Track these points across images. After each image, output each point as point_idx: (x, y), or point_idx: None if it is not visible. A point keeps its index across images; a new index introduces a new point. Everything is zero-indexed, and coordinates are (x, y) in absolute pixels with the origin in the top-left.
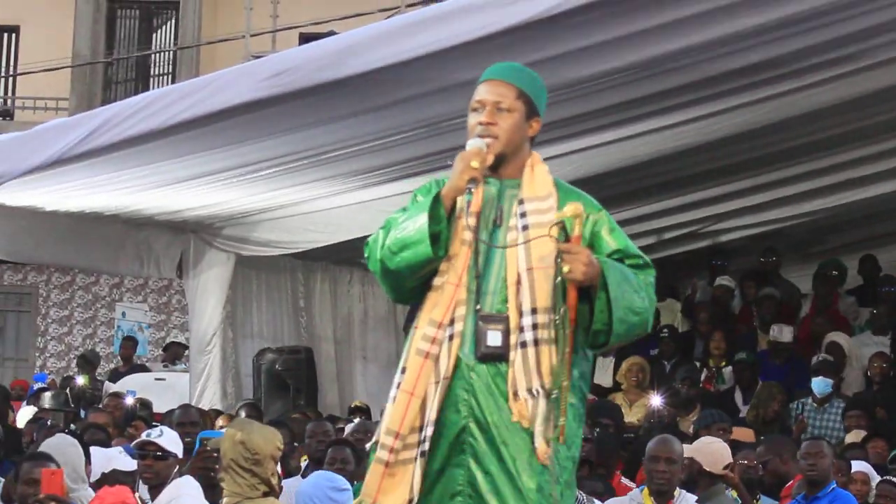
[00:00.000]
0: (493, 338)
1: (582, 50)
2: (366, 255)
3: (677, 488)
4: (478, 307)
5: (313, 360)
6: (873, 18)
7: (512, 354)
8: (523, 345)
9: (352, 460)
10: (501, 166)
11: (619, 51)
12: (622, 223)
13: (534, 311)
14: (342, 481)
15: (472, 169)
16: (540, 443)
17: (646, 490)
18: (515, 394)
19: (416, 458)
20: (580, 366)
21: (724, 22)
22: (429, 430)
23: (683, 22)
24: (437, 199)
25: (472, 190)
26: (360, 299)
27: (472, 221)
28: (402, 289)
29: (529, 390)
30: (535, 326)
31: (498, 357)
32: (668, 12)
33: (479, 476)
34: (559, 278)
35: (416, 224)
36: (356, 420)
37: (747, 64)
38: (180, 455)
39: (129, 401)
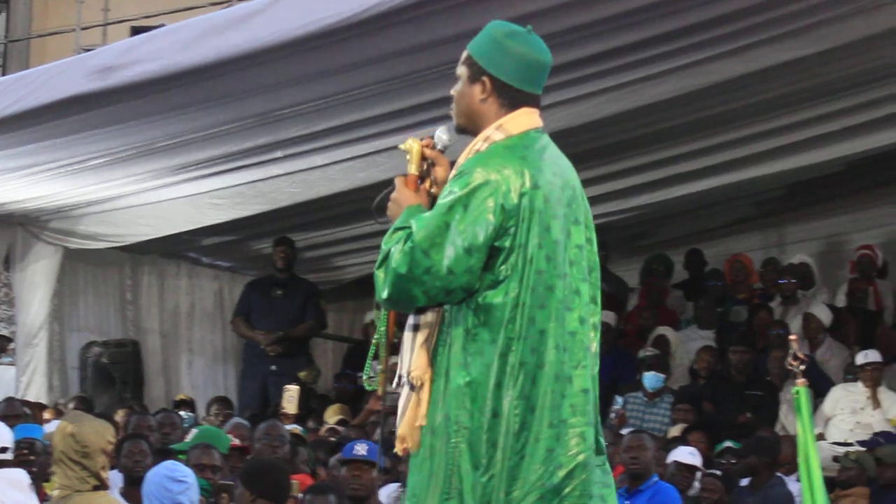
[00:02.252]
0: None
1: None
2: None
3: None
4: None
5: (140, 353)
6: (705, 12)
7: None
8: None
9: (149, 453)
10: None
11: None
12: None
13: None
14: (182, 471)
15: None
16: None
17: None
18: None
19: None
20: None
21: (554, 18)
22: None
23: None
24: None
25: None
26: (188, 293)
27: None
28: None
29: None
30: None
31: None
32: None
33: None
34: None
35: None
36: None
37: (576, 58)
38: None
39: None
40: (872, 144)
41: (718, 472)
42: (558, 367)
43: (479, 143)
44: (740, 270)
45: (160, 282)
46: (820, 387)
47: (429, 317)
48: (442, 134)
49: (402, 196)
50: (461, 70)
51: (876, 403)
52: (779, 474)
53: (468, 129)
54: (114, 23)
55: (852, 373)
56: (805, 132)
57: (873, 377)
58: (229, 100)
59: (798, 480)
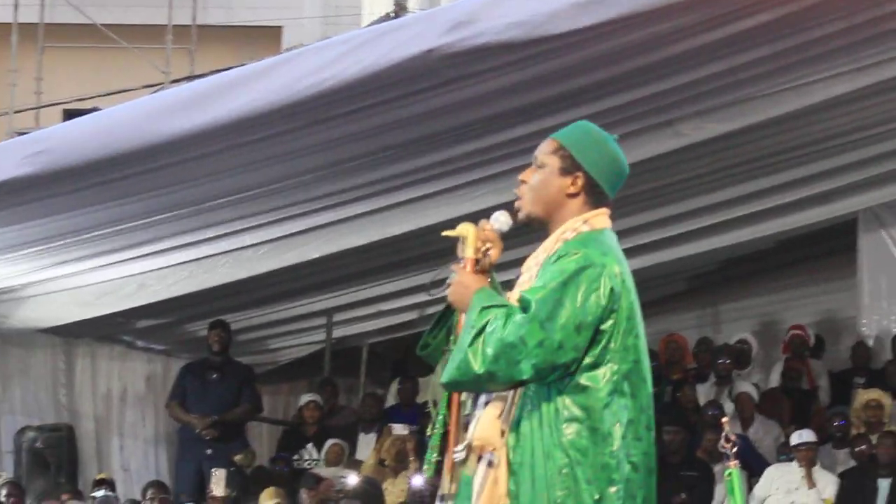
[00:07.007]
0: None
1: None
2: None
3: None
4: None
5: (74, 437)
6: (631, 94)
7: None
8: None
9: None
10: (542, 230)
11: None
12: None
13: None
14: None
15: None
16: None
17: None
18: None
19: None
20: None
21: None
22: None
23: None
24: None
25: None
26: (120, 376)
27: None
28: None
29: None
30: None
31: None
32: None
33: None
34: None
35: None
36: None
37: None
38: None
39: None
40: (803, 221)
41: None
42: (647, 460)
43: (567, 233)
44: (675, 350)
45: (93, 365)
46: (755, 467)
47: (504, 392)
48: (501, 216)
49: (468, 279)
50: (549, 160)
51: (811, 483)
52: None
53: (540, 217)
54: (46, 106)
55: (786, 453)
56: (737, 209)
57: (808, 457)
58: (163, 188)
59: None
